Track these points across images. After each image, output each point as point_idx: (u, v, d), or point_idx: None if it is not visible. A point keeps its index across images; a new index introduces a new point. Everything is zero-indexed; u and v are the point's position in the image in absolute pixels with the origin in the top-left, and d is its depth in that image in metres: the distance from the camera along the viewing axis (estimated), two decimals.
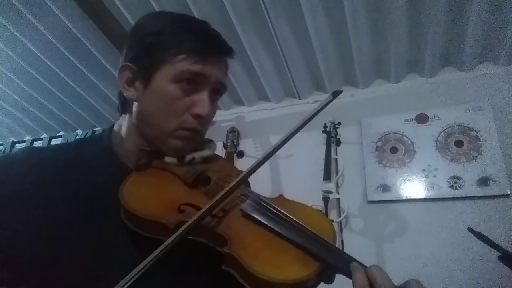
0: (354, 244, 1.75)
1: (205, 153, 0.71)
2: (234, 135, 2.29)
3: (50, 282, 0.53)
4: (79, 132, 3.00)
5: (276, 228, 0.55)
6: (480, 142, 1.75)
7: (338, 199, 1.88)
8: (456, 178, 1.73)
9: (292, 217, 0.57)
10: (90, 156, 0.68)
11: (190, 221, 0.52)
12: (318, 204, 1.84)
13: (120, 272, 0.46)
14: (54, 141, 3.03)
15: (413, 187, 1.80)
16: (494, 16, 1.65)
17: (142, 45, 0.66)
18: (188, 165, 0.68)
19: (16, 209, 0.56)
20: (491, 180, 1.66)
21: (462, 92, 1.88)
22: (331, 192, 1.85)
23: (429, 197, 1.75)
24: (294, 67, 2.08)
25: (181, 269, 0.61)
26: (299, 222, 0.56)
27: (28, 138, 3.18)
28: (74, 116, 2.85)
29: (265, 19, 1.79)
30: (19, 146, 3.15)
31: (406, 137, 1.91)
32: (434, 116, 1.89)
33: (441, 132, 1.85)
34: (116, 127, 0.73)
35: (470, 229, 1.02)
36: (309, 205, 0.67)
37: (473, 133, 1.78)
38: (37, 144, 3.08)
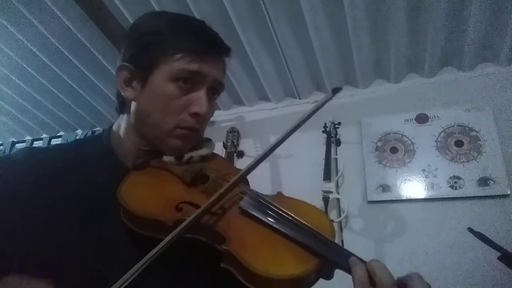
0: (354, 244, 1.75)
1: (203, 151, 0.72)
2: (234, 135, 2.29)
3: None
4: (79, 132, 3.00)
5: (274, 225, 0.55)
6: (480, 142, 1.75)
7: (338, 199, 1.88)
8: (456, 178, 1.73)
9: (290, 213, 0.57)
10: (89, 156, 0.68)
11: (188, 219, 0.52)
12: (318, 204, 1.83)
13: (120, 271, 0.46)
14: (54, 141, 3.03)
15: (413, 187, 1.80)
16: (494, 16, 1.65)
17: (139, 45, 0.66)
18: (186, 163, 0.68)
19: (16, 209, 0.56)
20: (491, 180, 1.66)
21: (462, 92, 1.88)
22: (331, 192, 1.85)
23: (429, 197, 1.75)
24: (294, 67, 2.07)
25: (180, 267, 0.61)
26: (298, 219, 0.56)
27: (28, 138, 3.18)
28: (74, 116, 2.85)
29: (265, 19, 1.78)
30: (19, 146, 3.15)
31: (406, 137, 1.91)
32: (434, 116, 1.89)
33: (441, 132, 1.85)
34: (115, 127, 0.73)
35: (470, 229, 1.02)
36: None
37: (473, 133, 1.78)
38: (37, 144, 3.08)
